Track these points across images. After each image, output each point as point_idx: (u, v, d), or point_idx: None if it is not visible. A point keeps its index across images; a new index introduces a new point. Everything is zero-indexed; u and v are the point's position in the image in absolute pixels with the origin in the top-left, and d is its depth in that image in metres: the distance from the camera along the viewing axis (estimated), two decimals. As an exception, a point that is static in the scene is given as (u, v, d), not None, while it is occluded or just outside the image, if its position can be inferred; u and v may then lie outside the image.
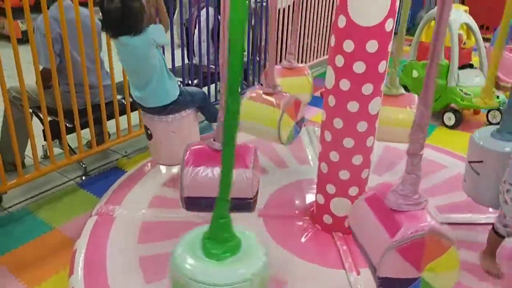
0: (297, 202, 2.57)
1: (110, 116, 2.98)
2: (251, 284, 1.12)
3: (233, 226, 1.22)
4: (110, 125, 3.03)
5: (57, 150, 2.85)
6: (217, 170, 1.78)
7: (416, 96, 2.64)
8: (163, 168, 2.86)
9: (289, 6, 4.44)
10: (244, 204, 1.87)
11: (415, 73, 4.36)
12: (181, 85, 2.67)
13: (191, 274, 1.12)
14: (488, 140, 2.12)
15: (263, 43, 4.24)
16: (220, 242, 1.16)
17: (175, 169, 2.73)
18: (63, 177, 2.90)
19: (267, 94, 2.50)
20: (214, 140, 1.93)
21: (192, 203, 1.91)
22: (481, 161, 2.12)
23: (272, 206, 2.50)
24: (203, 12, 3.51)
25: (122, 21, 2.11)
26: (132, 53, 2.20)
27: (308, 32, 4.91)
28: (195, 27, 3.67)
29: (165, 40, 2.32)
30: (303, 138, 3.38)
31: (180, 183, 1.88)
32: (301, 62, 4.91)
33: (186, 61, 3.75)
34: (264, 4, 4.08)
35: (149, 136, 2.50)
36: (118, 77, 2.98)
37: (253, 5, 4.02)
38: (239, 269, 1.14)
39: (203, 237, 1.18)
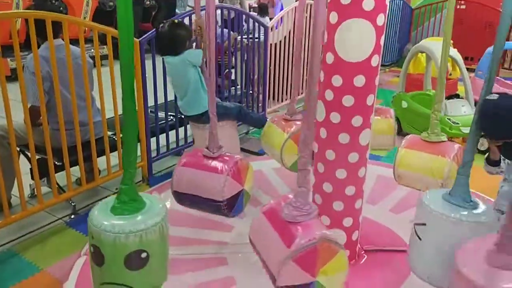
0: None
1: (101, 153, 2.95)
2: (126, 237, 1.42)
3: (142, 193, 1.58)
4: (100, 162, 3.00)
5: (45, 189, 2.80)
6: (199, 173, 2.15)
7: (457, 145, 2.51)
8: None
9: (280, 41, 4.55)
10: (216, 206, 2.14)
11: (404, 104, 4.43)
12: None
13: (93, 220, 1.47)
14: (437, 201, 1.78)
15: (255, 77, 4.32)
16: (123, 203, 1.49)
17: (168, 204, 2.69)
18: (51, 216, 2.83)
19: (284, 120, 2.71)
20: (207, 148, 2.20)
21: (179, 198, 2.25)
22: (424, 224, 1.80)
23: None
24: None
25: (167, 44, 2.65)
26: (173, 69, 2.71)
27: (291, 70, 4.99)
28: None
29: (199, 62, 2.67)
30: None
31: (171, 179, 2.24)
32: (286, 98, 4.96)
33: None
34: (256, 39, 4.18)
35: (193, 141, 3.17)
36: (109, 113, 2.98)
37: (245, 41, 4.12)
38: (124, 224, 1.44)
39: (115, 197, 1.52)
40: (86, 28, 3.04)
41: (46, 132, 2.58)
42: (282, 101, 4.80)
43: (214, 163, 2.15)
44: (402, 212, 2.82)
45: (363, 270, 2.29)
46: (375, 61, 2.07)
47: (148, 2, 8.12)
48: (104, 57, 3.15)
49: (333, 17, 2.04)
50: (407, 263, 2.31)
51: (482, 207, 1.75)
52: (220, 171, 2.11)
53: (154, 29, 3.04)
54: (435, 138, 2.48)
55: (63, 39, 2.65)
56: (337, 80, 2.09)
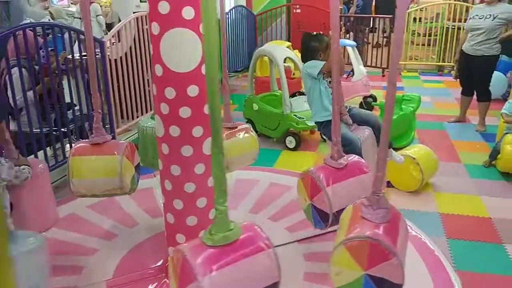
0: (151, 261, 2.39)
1: None
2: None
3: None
4: None
5: None
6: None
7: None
8: None
9: (121, 57, 4.32)
10: None
11: (255, 106, 4.61)
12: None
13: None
14: None
15: (102, 98, 4.01)
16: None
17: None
18: None
19: (94, 144, 2.42)
20: None
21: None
22: None
23: (123, 272, 2.28)
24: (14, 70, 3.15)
25: (302, 53, 3.03)
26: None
27: (140, 85, 4.79)
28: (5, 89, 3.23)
29: (314, 73, 2.82)
30: (153, 189, 3.23)
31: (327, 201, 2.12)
32: (138, 115, 4.74)
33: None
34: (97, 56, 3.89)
35: None
36: None
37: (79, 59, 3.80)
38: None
39: None
40: None
41: None
42: (133, 118, 4.58)
43: None
44: (260, 212, 2.90)
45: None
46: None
47: None
48: None
49: (155, 28, 1.98)
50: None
51: None
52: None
53: None
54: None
55: None
56: (170, 92, 2.02)
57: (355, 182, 2.20)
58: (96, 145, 2.39)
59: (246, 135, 2.79)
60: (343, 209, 1.90)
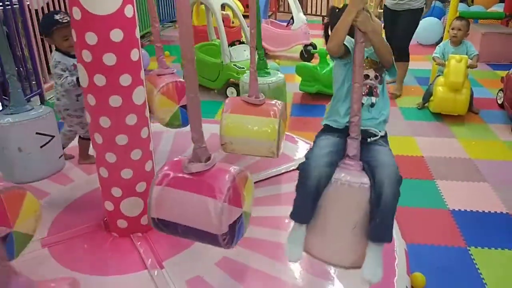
0: (87, 217, 2.30)
1: None
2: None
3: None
4: None
5: None
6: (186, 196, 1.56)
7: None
8: None
9: (42, 8, 3.93)
10: (212, 239, 1.64)
11: (194, 57, 4.45)
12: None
13: None
14: None
15: (25, 53, 3.64)
16: None
17: None
18: None
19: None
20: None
21: (161, 226, 1.65)
22: None
23: (58, 230, 2.19)
24: None
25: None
26: None
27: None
28: None
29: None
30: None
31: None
32: None
33: None
34: (10, 7, 3.50)
35: None
36: None
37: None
38: None
39: None
40: None
41: None
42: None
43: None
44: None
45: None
46: (130, 11, 1.92)
47: None
48: None
49: (68, -35, 1.78)
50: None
51: None
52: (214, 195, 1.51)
53: None
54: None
55: None
56: (91, 38, 1.87)
57: (191, 200, 1.54)
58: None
59: (264, 118, 2.38)
60: (175, 224, 1.57)
